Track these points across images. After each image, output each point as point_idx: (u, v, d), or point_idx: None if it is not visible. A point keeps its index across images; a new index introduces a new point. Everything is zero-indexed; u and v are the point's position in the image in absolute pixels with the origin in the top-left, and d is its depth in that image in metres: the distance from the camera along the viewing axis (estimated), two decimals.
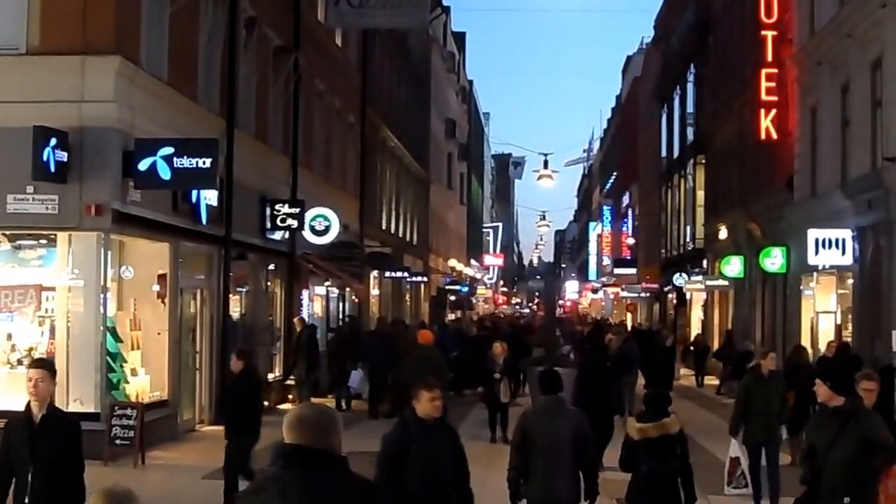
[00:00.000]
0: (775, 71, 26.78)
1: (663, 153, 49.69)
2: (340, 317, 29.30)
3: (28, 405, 7.00)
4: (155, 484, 12.71)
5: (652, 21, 56.90)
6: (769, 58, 26.91)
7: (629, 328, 38.94)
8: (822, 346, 21.84)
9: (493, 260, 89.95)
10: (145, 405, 15.18)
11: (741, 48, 31.05)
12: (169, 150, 14.52)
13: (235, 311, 20.68)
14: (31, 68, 14.52)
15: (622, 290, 61.83)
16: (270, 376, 22.57)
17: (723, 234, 33.14)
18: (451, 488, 7.40)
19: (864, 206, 19.97)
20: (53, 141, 13.81)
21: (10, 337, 14.91)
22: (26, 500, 6.76)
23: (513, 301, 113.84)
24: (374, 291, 35.09)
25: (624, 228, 69.11)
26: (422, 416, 7.39)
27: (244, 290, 21.49)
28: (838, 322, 22.79)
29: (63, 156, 14.01)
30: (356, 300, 31.24)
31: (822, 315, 23.92)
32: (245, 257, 20.60)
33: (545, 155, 60.36)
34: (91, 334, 14.62)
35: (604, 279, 78.78)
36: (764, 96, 26.96)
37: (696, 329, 39.24)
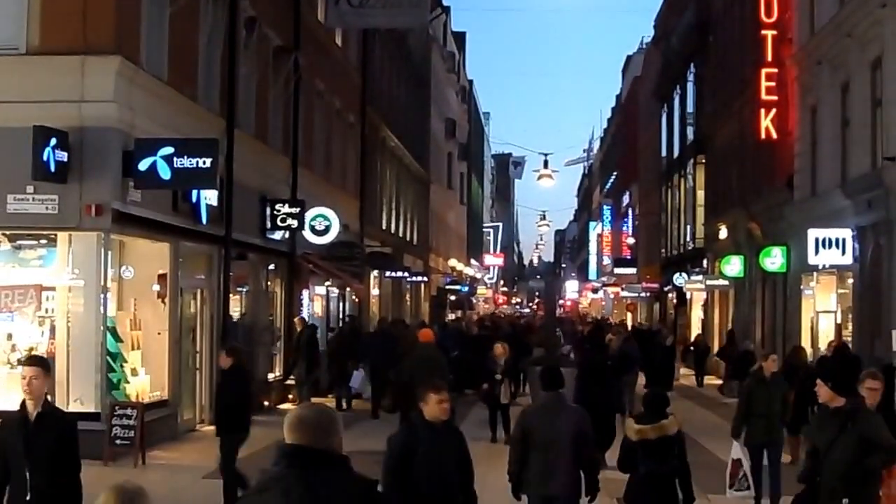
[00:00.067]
0: (775, 70, 26.79)
1: (663, 153, 49.69)
2: (341, 317, 29.30)
3: (23, 403, 6.97)
4: (155, 484, 12.70)
5: (652, 21, 56.96)
6: (769, 57, 26.91)
7: (629, 328, 38.95)
8: (823, 346, 21.86)
9: (494, 260, 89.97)
10: (145, 405, 15.19)
11: (741, 48, 31.05)
12: (169, 149, 14.52)
13: (235, 310, 20.69)
14: (31, 68, 14.51)
15: (622, 289, 61.84)
16: (270, 376, 22.60)
17: (723, 233, 33.14)
18: (457, 491, 7.39)
19: (864, 206, 19.98)
20: (53, 141, 13.81)
21: (10, 337, 14.90)
22: (27, 498, 6.73)
23: (513, 301, 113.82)
24: (375, 291, 35.10)
25: (624, 228, 69.12)
26: (429, 418, 7.35)
27: (244, 289, 21.50)
28: (838, 322, 22.79)
29: (63, 156, 14.01)
30: (356, 300, 31.25)
31: (823, 315, 23.92)
32: (245, 257, 20.60)
33: (545, 155, 60.54)
34: (91, 334, 14.62)
35: (604, 279, 78.79)
36: (764, 96, 26.96)
37: (696, 329, 39.24)
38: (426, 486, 7.17)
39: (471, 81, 78.45)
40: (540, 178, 58.32)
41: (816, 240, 20.69)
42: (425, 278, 45.75)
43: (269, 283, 23.09)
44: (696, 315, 40.58)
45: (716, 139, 36.46)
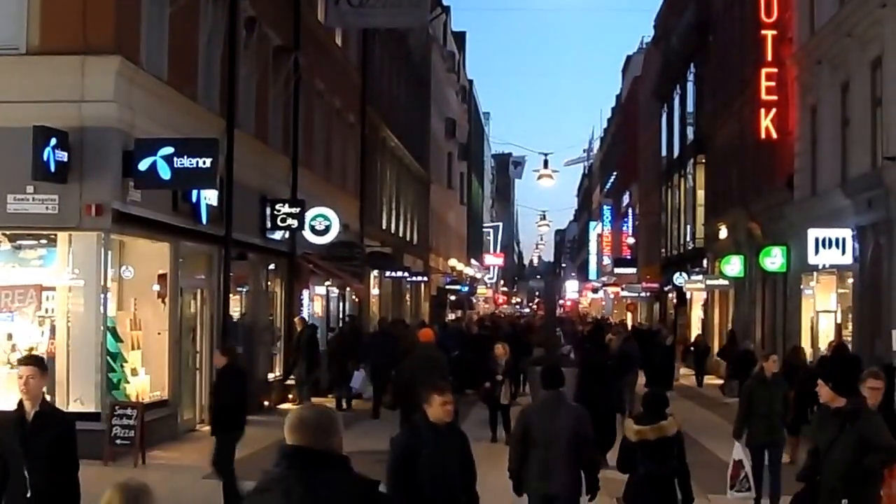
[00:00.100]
0: (775, 70, 26.78)
1: (663, 153, 49.70)
2: (341, 316, 29.31)
3: (20, 403, 6.93)
4: (155, 484, 12.62)
5: (652, 20, 56.96)
6: (769, 57, 26.91)
7: (629, 328, 38.94)
8: (823, 346, 21.86)
9: (494, 259, 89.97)
10: (145, 405, 15.19)
11: (741, 47, 31.05)
12: (169, 149, 14.52)
13: (235, 310, 20.69)
14: (31, 68, 14.52)
15: (622, 289, 61.84)
16: (270, 376, 22.61)
17: (723, 233, 33.15)
18: (460, 492, 7.39)
19: (865, 206, 19.97)
20: (53, 141, 13.82)
21: (10, 337, 14.90)
22: (28, 496, 6.72)
23: (513, 301, 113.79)
24: (375, 291, 35.10)
25: (624, 228, 69.12)
26: (433, 420, 7.34)
27: (244, 289, 21.50)
28: (838, 321, 22.79)
29: (63, 156, 14.01)
30: (356, 300, 31.25)
31: (823, 314, 23.92)
32: (245, 257, 20.61)
33: (545, 154, 60.36)
34: (91, 334, 14.62)
35: (604, 279, 78.79)
36: (764, 96, 26.95)
37: (696, 329, 39.25)
38: (430, 488, 7.17)
39: (471, 81, 78.46)
40: (540, 177, 58.23)
41: (816, 239, 20.69)
42: (425, 278, 45.76)
43: (269, 283, 23.09)
44: (696, 315, 40.58)
45: (716, 139, 36.46)
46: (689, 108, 42.91)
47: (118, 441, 14.28)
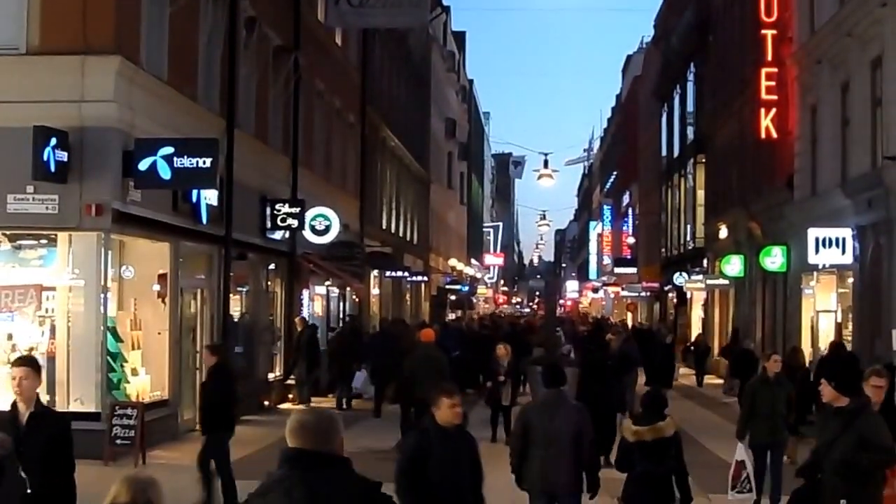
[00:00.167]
0: (775, 70, 26.79)
1: (663, 152, 49.70)
2: (341, 316, 29.31)
3: (14, 404, 6.87)
4: None
5: (652, 20, 56.95)
6: (769, 57, 26.91)
7: (629, 327, 38.94)
8: (823, 346, 21.84)
9: (494, 259, 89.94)
10: (146, 405, 15.19)
11: (741, 47, 31.05)
12: (169, 149, 14.52)
13: (236, 310, 20.70)
14: (31, 68, 14.52)
15: (622, 289, 61.84)
16: (271, 376, 22.62)
17: (723, 233, 33.15)
18: (469, 495, 7.37)
19: (865, 205, 19.97)
20: (53, 141, 13.82)
21: (10, 337, 14.89)
22: (28, 491, 6.68)
23: (513, 300, 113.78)
24: (375, 291, 35.10)
25: (624, 228, 69.11)
26: (442, 423, 7.31)
27: (244, 289, 21.51)
28: (838, 321, 22.79)
29: (63, 156, 14.01)
30: (356, 300, 31.25)
31: (823, 314, 23.92)
32: (245, 257, 20.61)
33: (545, 154, 60.46)
34: (91, 334, 14.62)
35: (604, 278, 78.77)
36: (764, 95, 26.96)
37: (696, 328, 39.24)
38: (439, 491, 7.15)
39: (471, 81, 78.43)
40: (540, 177, 58.27)
41: (816, 239, 20.69)
42: (425, 278, 45.75)
43: (269, 282, 23.09)
44: (697, 315, 40.58)
45: (716, 139, 36.46)
46: (689, 107, 42.92)
47: (118, 441, 14.28)
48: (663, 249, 49.80)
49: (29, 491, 6.65)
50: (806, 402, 14.50)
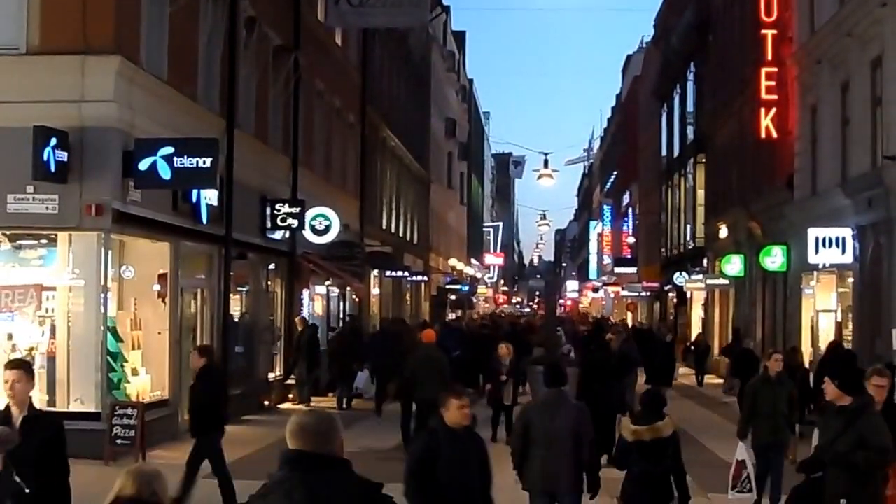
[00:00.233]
0: (775, 70, 26.78)
1: (663, 152, 49.70)
2: (341, 316, 29.32)
3: (7, 407, 6.79)
4: None
5: (652, 20, 56.95)
6: (769, 56, 26.91)
7: (630, 327, 38.93)
8: (823, 346, 21.83)
9: (494, 259, 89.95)
10: (146, 405, 15.19)
11: (741, 47, 31.05)
12: (169, 149, 14.52)
13: (236, 310, 20.70)
14: (31, 68, 14.52)
15: (623, 289, 61.84)
16: (271, 376, 22.63)
17: (723, 232, 33.15)
18: (478, 496, 7.35)
19: (865, 205, 19.98)
20: (53, 141, 13.82)
21: (10, 337, 14.89)
22: (27, 491, 6.66)
23: (513, 300, 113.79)
24: (375, 291, 35.10)
25: (624, 227, 69.11)
26: (450, 424, 7.31)
27: (245, 289, 21.51)
28: (838, 320, 22.79)
29: (63, 156, 14.01)
30: (357, 300, 31.26)
31: (823, 314, 23.92)
32: (245, 257, 20.62)
33: (545, 154, 60.44)
34: (92, 334, 14.62)
35: (604, 278, 78.77)
36: (764, 95, 26.96)
37: (696, 328, 39.23)
38: (448, 492, 7.13)
39: (471, 81, 78.44)
40: (540, 177, 58.26)
41: (816, 239, 20.70)
42: (425, 278, 45.76)
43: (269, 282, 23.10)
44: (697, 314, 40.58)
45: (716, 138, 36.46)
46: (689, 107, 42.91)
47: (118, 441, 14.28)
48: (663, 249, 49.80)
49: (28, 491, 6.64)
50: (804, 402, 14.47)
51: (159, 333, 16.69)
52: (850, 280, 21.89)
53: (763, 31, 27.00)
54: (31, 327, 14.89)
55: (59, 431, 6.80)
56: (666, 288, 47.41)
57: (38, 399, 14.32)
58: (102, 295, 14.61)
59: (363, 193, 31.50)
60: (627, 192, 67.45)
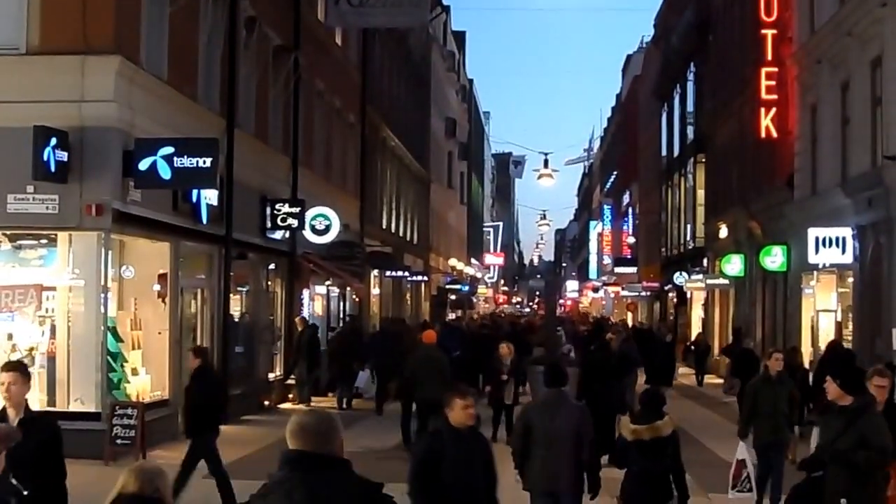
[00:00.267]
0: (775, 69, 26.79)
1: (663, 152, 49.71)
2: (341, 316, 29.32)
3: (3, 409, 6.75)
4: None
5: (652, 20, 56.95)
6: (769, 56, 26.91)
7: (630, 327, 38.91)
8: (823, 345, 21.83)
9: (494, 259, 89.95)
10: (146, 405, 15.20)
11: (741, 47, 31.06)
12: (169, 149, 14.53)
13: (236, 310, 20.70)
14: (31, 68, 14.52)
15: (623, 289, 61.84)
16: (271, 376, 22.63)
17: (723, 232, 33.16)
18: (483, 497, 7.33)
19: (865, 205, 19.98)
20: (53, 141, 13.82)
21: (10, 337, 14.90)
22: (25, 494, 6.63)
23: (513, 300, 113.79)
24: (375, 291, 35.11)
25: (624, 227, 69.11)
26: (455, 424, 7.28)
27: (245, 289, 21.51)
28: (839, 320, 22.80)
29: (63, 155, 14.02)
30: (357, 299, 31.26)
31: (823, 314, 23.92)
32: (245, 257, 20.62)
33: (545, 154, 60.44)
34: (92, 334, 14.62)
35: (604, 278, 78.78)
36: (764, 95, 26.96)
37: (696, 328, 39.23)
38: (453, 492, 7.11)
39: (471, 81, 78.43)
40: (540, 177, 58.28)
41: (817, 239, 20.70)
42: (426, 278, 45.76)
43: (269, 282, 23.10)
44: (697, 314, 40.59)
45: (716, 138, 36.46)
46: (689, 107, 42.91)
47: (119, 441, 14.28)
48: (663, 249, 49.80)
49: (25, 493, 6.62)
50: (803, 402, 14.46)
51: (159, 333, 16.69)
52: (850, 280, 21.89)
53: (763, 31, 27.00)
54: (31, 327, 14.90)
55: (56, 433, 6.75)
56: (666, 288, 47.41)
57: (38, 399, 14.38)
58: (102, 295, 14.61)
59: (363, 193, 31.50)
60: (627, 192, 67.46)
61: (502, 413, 18.13)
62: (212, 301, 18.77)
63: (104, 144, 14.46)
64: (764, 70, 26.99)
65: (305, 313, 24.34)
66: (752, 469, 11.98)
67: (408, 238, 42.68)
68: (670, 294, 46.73)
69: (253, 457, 14.73)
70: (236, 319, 20.53)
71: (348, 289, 29.68)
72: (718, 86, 35.64)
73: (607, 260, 78.81)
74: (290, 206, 21.96)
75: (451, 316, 49.94)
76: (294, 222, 21.91)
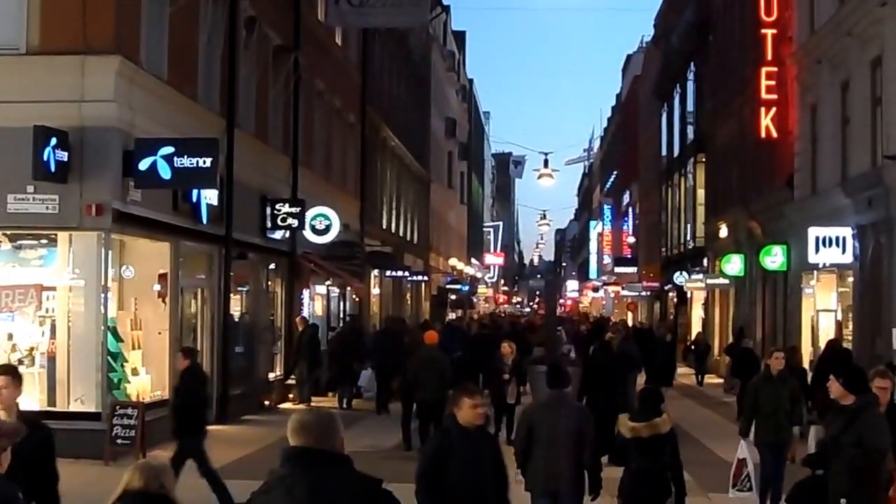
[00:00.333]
0: (775, 69, 26.78)
1: (663, 152, 49.71)
2: (341, 316, 29.32)
3: None
4: None
5: (652, 20, 56.96)
6: (769, 56, 26.91)
7: (630, 327, 38.89)
8: (823, 345, 21.83)
9: (494, 259, 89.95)
10: (146, 405, 15.19)
11: (741, 46, 31.05)
12: (169, 149, 14.53)
13: (236, 310, 20.70)
14: (31, 68, 14.52)
15: (623, 288, 61.85)
16: (271, 375, 22.64)
17: (723, 232, 33.16)
18: (491, 497, 7.26)
19: (865, 204, 19.98)
20: (54, 141, 13.82)
21: (10, 337, 14.91)
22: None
23: (513, 300, 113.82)
24: (375, 291, 35.11)
25: (624, 227, 69.11)
26: (463, 423, 7.23)
27: (245, 289, 21.51)
28: (839, 320, 22.80)
29: (63, 155, 14.02)
30: (357, 299, 31.26)
31: (823, 313, 23.92)
32: (245, 257, 20.62)
33: (545, 154, 60.51)
34: (92, 334, 14.63)
35: (604, 278, 78.78)
36: (764, 95, 26.96)
37: (696, 328, 39.23)
38: (460, 491, 7.08)
39: (471, 80, 78.43)
40: (540, 177, 58.29)
41: (817, 238, 20.70)
42: (426, 278, 45.76)
43: (269, 282, 23.10)
44: (697, 314, 40.59)
45: (716, 138, 36.47)
46: (689, 107, 42.91)
47: (119, 441, 14.29)
48: (663, 249, 49.81)
49: (21, 496, 6.59)
50: (804, 401, 14.44)
51: (159, 333, 16.70)
52: (850, 279, 21.89)
53: (763, 31, 27.00)
54: (31, 327, 14.91)
55: (49, 437, 6.70)
56: (666, 287, 47.41)
57: (38, 399, 14.40)
58: (102, 295, 14.61)
59: (363, 193, 31.50)
60: (627, 192, 67.46)
61: (503, 413, 18.11)
62: (212, 301, 18.77)
63: (104, 144, 14.47)
64: (764, 70, 26.99)
65: (305, 313, 24.34)
66: (753, 468, 11.98)
67: (408, 238, 42.68)
68: (670, 294, 46.73)
69: (253, 457, 14.73)
70: (236, 319, 20.53)
71: (348, 289, 29.68)
72: (718, 86, 35.64)
73: (607, 260, 78.81)
74: (290, 206, 21.96)
75: (452, 316, 49.94)
76: (294, 222, 21.92)
